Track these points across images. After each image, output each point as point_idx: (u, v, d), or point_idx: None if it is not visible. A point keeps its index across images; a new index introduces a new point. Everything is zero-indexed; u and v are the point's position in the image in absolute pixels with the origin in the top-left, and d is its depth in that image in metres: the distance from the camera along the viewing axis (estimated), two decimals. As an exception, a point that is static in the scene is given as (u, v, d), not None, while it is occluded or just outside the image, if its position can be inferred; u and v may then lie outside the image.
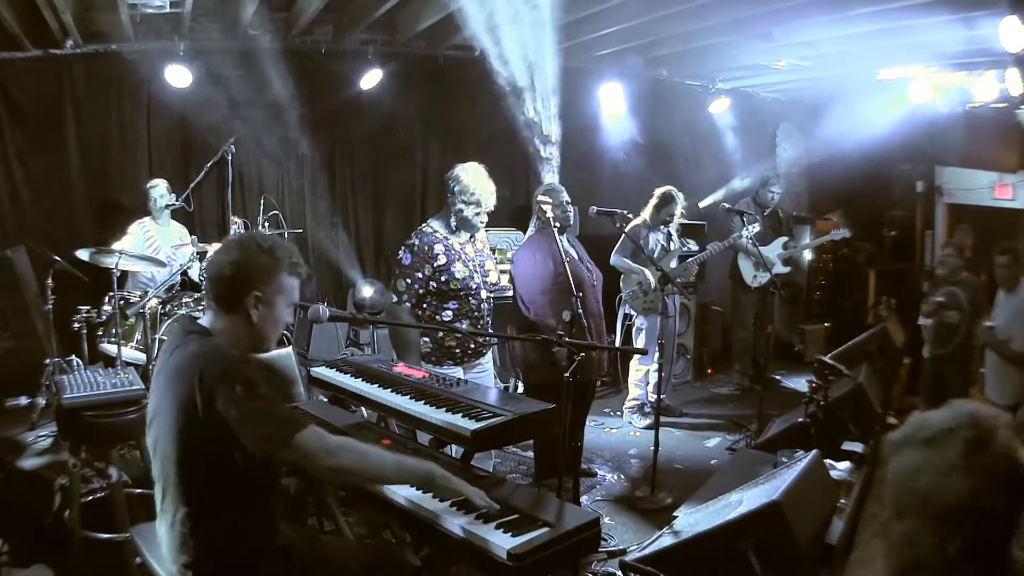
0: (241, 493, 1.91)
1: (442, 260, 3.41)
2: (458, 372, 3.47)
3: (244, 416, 1.81)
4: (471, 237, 3.56)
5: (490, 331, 3.77)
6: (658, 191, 5.54)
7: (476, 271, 3.50)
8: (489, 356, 3.74)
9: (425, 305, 3.47)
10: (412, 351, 3.43)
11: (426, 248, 3.41)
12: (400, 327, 3.48)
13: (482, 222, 3.50)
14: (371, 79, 6.04)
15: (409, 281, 3.41)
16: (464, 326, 3.45)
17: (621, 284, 5.45)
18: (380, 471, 2.03)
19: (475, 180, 3.42)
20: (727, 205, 5.99)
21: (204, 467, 1.86)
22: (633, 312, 5.45)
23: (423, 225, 3.55)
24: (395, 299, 3.46)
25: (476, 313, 3.52)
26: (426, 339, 3.50)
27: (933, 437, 1.38)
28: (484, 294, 3.55)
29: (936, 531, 1.35)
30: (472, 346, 3.54)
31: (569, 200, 4.15)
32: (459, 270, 3.43)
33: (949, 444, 1.37)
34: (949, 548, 1.33)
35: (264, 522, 1.99)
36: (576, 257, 4.15)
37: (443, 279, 3.41)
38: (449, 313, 3.46)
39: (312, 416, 2.88)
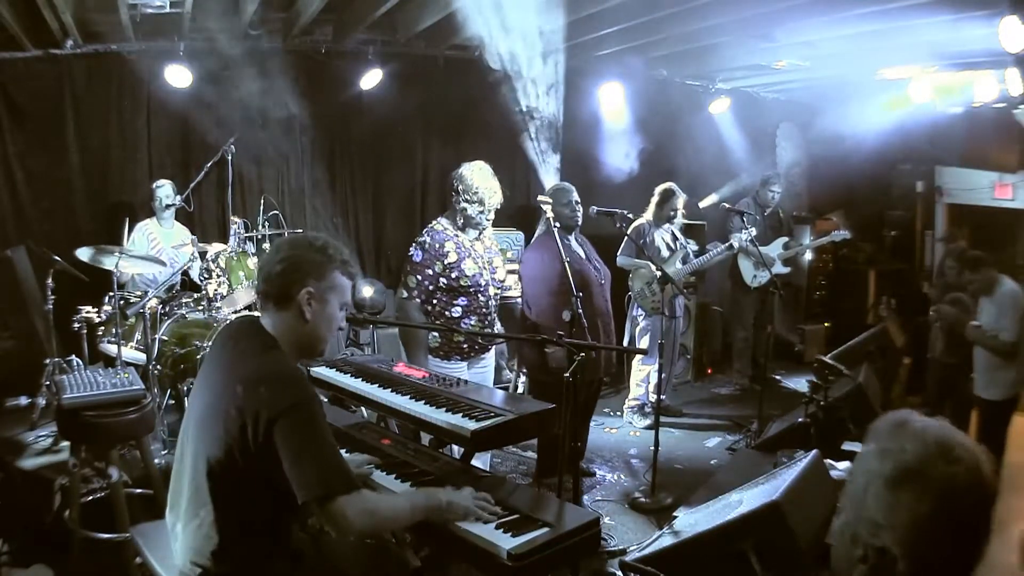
0: (272, 503, 1.89)
1: (452, 257, 3.45)
2: (463, 367, 3.54)
3: (299, 455, 1.77)
4: (479, 235, 3.59)
5: (495, 329, 3.80)
6: (658, 189, 5.63)
7: (485, 268, 3.55)
8: (492, 353, 3.78)
9: (435, 301, 3.50)
10: (420, 346, 3.46)
11: (437, 245, 3.44)
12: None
13: (488, 220, 3.54)
14: (371, 79, 6.03)
15: (419, 278, 3.44)
16: (472, 322, 3.51)
17: (630, 283, 5.46)
18: (395, 523, 2.07)
19: (479, 179, 3.46)
20: (727, 205, 6.00)
21: (244, 480, 1.83)
22: (642, 312, 5.45)
23: (434, 223, 3.59)
24: (404, 295, 3.49)
25: (484, 310, 3.57)
26: (435, 334, 3.53)
27: (885, 448, 1.16)
28: (492, 291, 3.60)
29: (851, 541, 1.20)
30: (480, 341, 3.60)
31: (579, 200, 4.18)
32: (469, 267, 3.48)
33: (888, 459, 1.14)
34: (857, 565, 1.17)
35: (283, 525, 1.99)
36: (583, 256, 4.18)
37: (454, 276, 3.44)
38: (458, 309, 3.50)
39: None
